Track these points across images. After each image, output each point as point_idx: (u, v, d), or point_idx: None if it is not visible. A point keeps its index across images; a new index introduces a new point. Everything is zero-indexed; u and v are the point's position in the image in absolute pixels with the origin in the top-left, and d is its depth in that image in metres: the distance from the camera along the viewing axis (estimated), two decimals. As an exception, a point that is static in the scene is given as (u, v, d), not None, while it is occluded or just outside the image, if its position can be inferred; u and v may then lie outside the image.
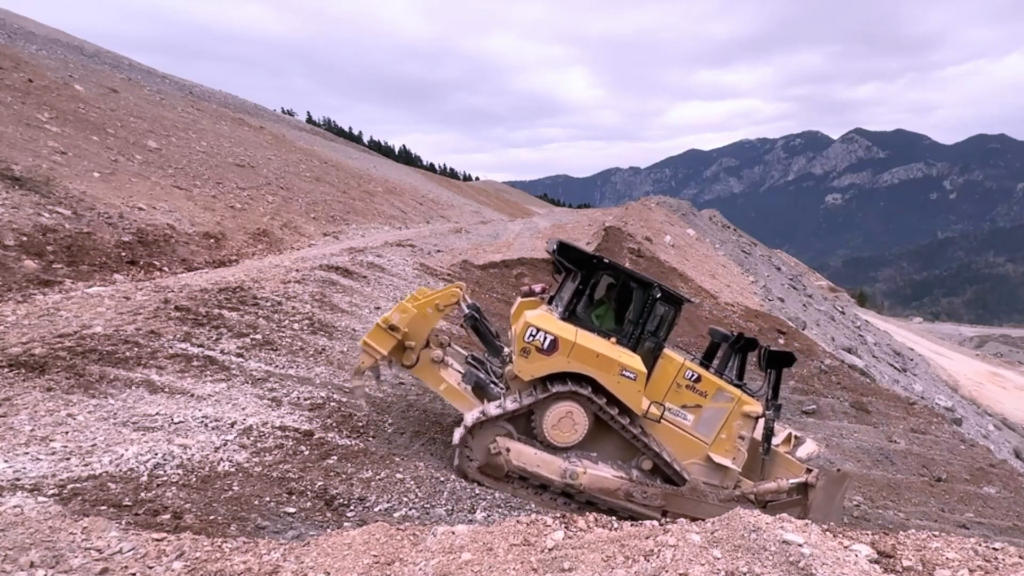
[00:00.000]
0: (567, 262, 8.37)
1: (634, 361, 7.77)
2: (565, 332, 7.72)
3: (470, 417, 7.77)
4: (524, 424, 7.93)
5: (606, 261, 8.28)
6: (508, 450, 7.76)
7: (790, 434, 9.86)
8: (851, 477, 8.64)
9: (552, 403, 7.76)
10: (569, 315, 8.13)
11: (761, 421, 8.62)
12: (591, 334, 7.93)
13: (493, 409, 7.80)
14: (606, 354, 7.66)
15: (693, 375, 8.36)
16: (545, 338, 7.58)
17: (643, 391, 7.77)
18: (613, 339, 7.97)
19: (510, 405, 7.78)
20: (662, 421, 8.13)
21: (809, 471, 8.41)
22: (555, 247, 8.39)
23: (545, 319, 7.97)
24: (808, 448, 9.33)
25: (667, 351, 8.50)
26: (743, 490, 8.33)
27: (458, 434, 7.74)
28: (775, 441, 9.14)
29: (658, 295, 8.12)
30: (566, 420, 7.79)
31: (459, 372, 8.83)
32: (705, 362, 9.13)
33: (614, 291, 8.53)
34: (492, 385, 8.65)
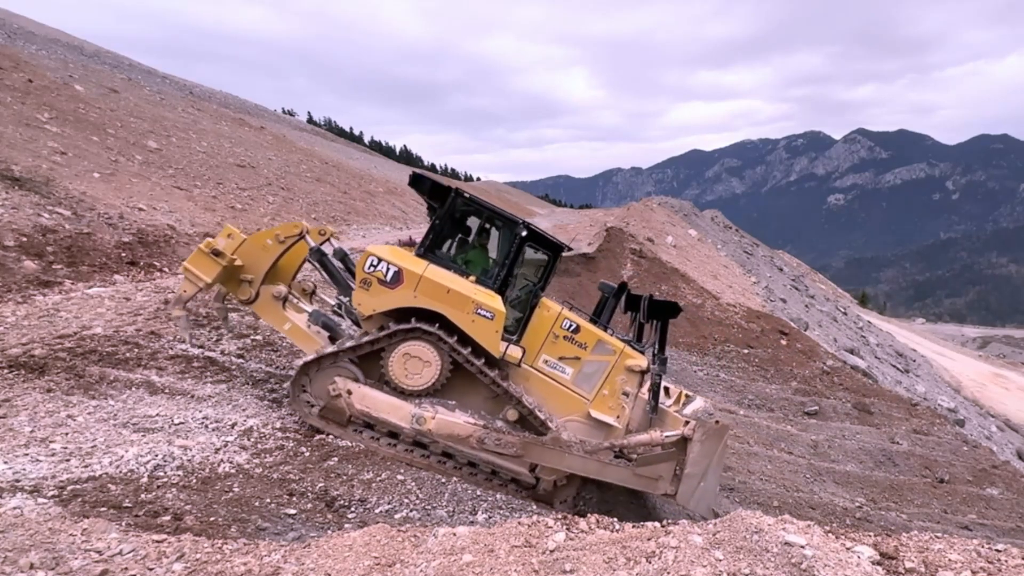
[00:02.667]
0: (422, 194, 7.93)
1: (492, 300, 7.26)
2: (412, 264, 7.25)
3: (306, 357, 7.34)
4: (377, 368, 7.42)
5: (465, 195, 7.75)
6: (349, 392, 7.27)
7: (680, 392, 9.43)
8: (730, 429, 8.05)
9: (400, 343, 7.25)
10: (425, 251, 7.61)
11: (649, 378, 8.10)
12: (447, 271, 7.42)
13: (330, 347, 7.36)
14: (458, 290, 7.19)
15: (571, 325, 7.85)
16: (388, 269, 7.13)
17: (501, 332, 7.27)
18: (472, 278, 7.50)
19: (348, 342, 7.31)
20: (538, 373, 7.71)
21: (686, 423, 7.78)
22: (410, 178, 8.01)
23: (390, 250, 7.50)
24: (696, 405, 8.84)
25: (545, 300, 8.01)
26: (612, 442, 7.72)
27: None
28: (667, 401, 8.67)
29: (523, 233, 7.60)
30: (414, 362, 7.24)
31: (307, 312, 8.28)
32: (595, 319, 8.56)
33: (487, 235, 8.10)
34: (344, 326, 8.16)
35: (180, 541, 4.39)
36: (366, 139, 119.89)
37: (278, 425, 7.28)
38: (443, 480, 7.11)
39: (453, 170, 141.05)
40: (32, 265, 10.03)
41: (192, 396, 7.48)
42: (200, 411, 7.08)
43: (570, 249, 8.33)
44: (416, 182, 7.97)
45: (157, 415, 6.70)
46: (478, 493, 7.18)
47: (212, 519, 5.07)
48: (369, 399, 7.32)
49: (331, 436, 7.32)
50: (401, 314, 7.33)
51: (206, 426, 6.76)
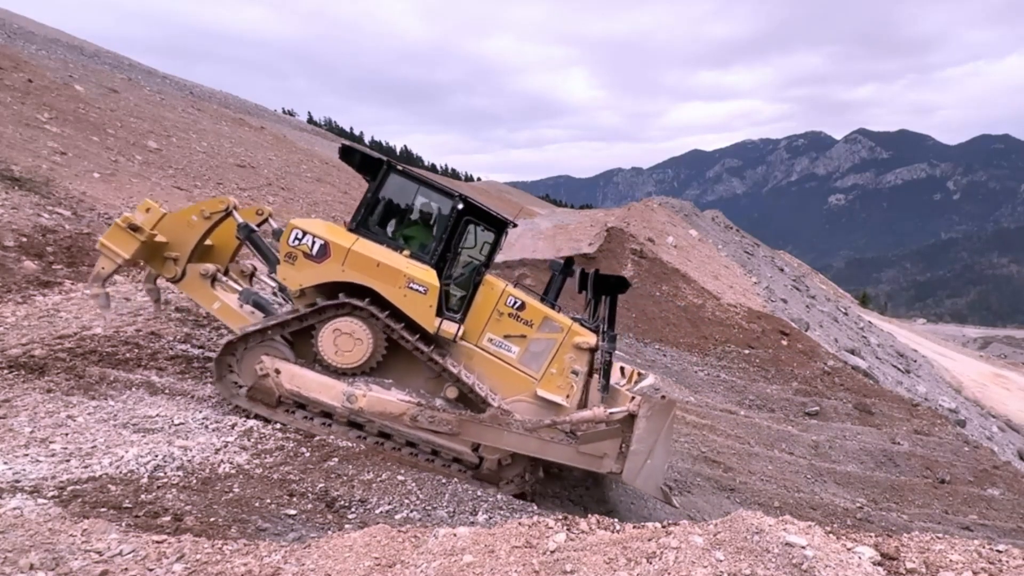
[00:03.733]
0: (353, 167, 7.74)
1: (425, 274, 7.10)
2: (339, 238, 7.04)
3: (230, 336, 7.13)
4: (310, 347, 7.22)
5: (398, 167, 7.55)
6: (278, 372, 7.03)
7: (634, 371, 9.28)
8: (677, 404, 7.84)
9: (329, 319, 7.06)
10: (357, 225, 7.40)
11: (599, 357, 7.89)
12: (379, 246, 7.23)
13: (252, 324, 7.18)
14: (389, 264, 7.00)
15: (516, 302, 7.68)
16: (314, 242, 6.91)
17: (435, 307, 7.11)
18: (407, 252, 7.31)
19: (272, 320, 7.10)
20: (482, 351, 7.57)
21: (632, 399, 7.56)
22: (339, 151, 7.81)
23: (316, 223, 7.32)
24: (648, 382, 8.66)
25: (489, 277, 7.83)
26: (553, 419, 7.52)
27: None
28: (620, 379, 8.50)
29: (459, 206, 7.40)
30: (345, 338, 7.05)
31: (239, 291, 8.05)
32: (550, 301, 8.39)
33: (429, 210, 7.87)
34: (277, 306, 7.94)
35: (180, 542, 4.39)
36: (367, 139, 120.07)
37: (278, 425, 7.28)
38: (443, 481, 7.10)
39: (453, 170, 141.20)
40: (32, 265, 10.03)
41: (192, 396, 7.48)
42: (200, 411, 7.08)
43: (515, 225, 8.04)
44: (346, 154, 7.74)
45: (157, 415, 6.70)
46: (479, 494, 7.16)
47: (212, 520, 5.07)
48: (299, 378, 7.11)
49: (278, 423, 7.14)
50: (334, 289, 7.14)
51: (206, 426, 6.76)
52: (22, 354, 7.22)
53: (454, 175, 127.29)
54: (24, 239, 10.54)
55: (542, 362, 7.75)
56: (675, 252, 24.62)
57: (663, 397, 7.32)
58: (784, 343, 19.58)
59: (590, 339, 7.77)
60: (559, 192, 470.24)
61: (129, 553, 4.13)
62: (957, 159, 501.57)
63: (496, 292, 7.72)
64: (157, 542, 4.32)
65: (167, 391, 7.42)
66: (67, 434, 5.88)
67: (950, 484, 12.77)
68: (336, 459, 6.86)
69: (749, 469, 11.58)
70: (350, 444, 7.16)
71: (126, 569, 3.98)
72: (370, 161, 7.64)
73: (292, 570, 4.15)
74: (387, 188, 7.58)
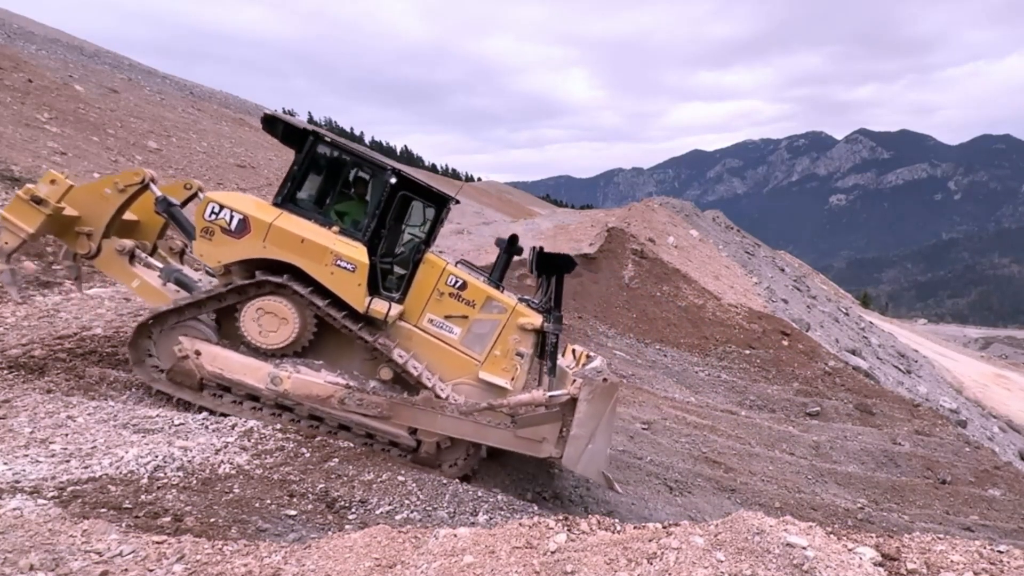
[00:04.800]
0: (277, 138, 7.40)
1: (353, 251, 6.80)
2: (260, 212, 6.72)
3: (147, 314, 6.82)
4: (235, 327, 6.93)
5: (326, 138, 7.19)
6: (198, 353, 6.76)
7: (583, 353, 9.11)
8: (620, 387, 7.54)
9: (251, 298, 6.79)
10: (283, 200, 7.07)
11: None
12: (305, 221, 6.93)
13: (165, 305, 6.87)
14: (315, 240, 6.69)
15: (457, 281, 7.41)
16: (232, 217, 6.59)
17: (365, 286, 6.83)
18: (335, 228, 7.01)
19: (184, 299, 6.79)
20: (422, 332, 7.34)
21: (573, 382, 7.26)
22: (261, 120, 7.47)
23: (237, 197, 7.01)
24: (595, 364, 8.39)
25: (430, 255, 7.53)
26: (490, 402, 7.25)
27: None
28: (567, 361, 8.29)
29: (392, 180, 7.07)
30: (269, 318, 6.75)
31: (160, 268, 7.71)
32: (495, 280, 8.13)
33: (364, 186, 7.54)
34: (204, 284, 7.60)
35: (180, 542, 4.38)
36: (367, 139, 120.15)
37: (278, 426, 7.27)
38: (444, 482, 7.09)
39: (454, 170, 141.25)
40: (32, 266, 10.03)
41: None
42: (200, 412, 7.07)
43: (457, 201, 7.77)
44: (268, 124, 7.37)
45: (157, 416, 6.69)
46: (479, 494, 7.16)
47: (212, 520, 5.06)
48: (222, 359, 6.83)
49: (224, 411, 6.94)
50: (260, 267, 6.84)
51: (206, 427, 6.75)
52: (22, 354, 7.22)
53: (454, 175, 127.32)
54: (25, 239, 10.54)
55: (486, 344, 7.52)
56: (676, 252, 24.61)
57: (605, 380, 6.93)
58: (785, 343, 19.57)
59: (535, 320, 7.54)
60: (560, 192, 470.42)
61: (129, 554, 4.12)
62: (958, 159, 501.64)
63: (436, 271, 7.44)
64: (157, 543, 4.32)
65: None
66: (67, 434, 5.88)
67: (951, 485, 12.76)
68: (336, 460, 6.85)
69: (750, 469, 11.57)
70: (351, 444, 7.16)
71: (126, 570, 3.98)
72: (295, 132, 7.29)
73: (292, 571, 4.15)
74: (315, 161, 7.26)
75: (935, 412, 17.72)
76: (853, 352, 22.67)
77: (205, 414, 6.99)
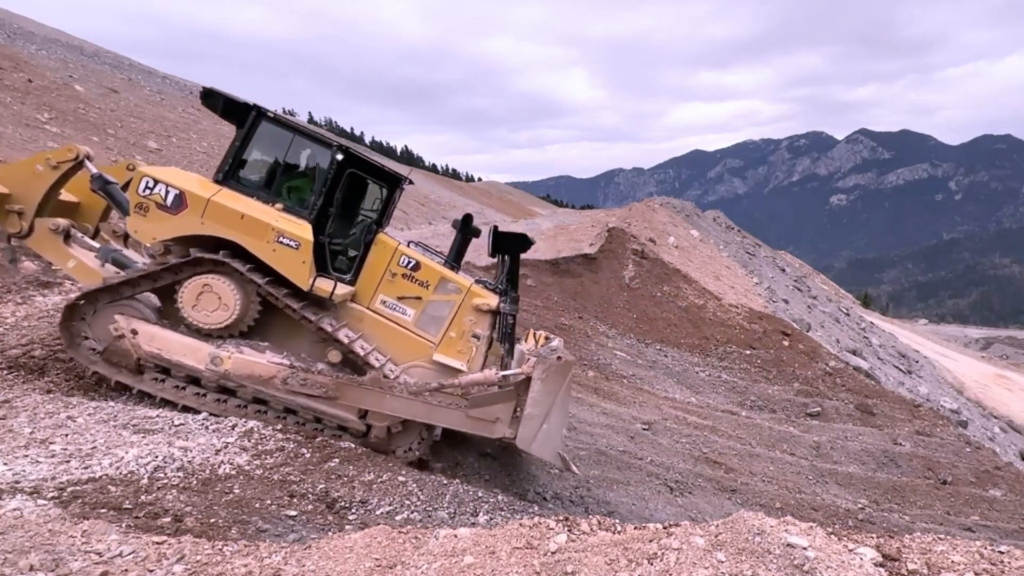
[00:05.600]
0: (217, 113, 7.17)
1: (297, 228, 6.62)
2: (197, 188, 6.55)
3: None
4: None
5: (269, 113, 6.97)
6: (135, 332, 6.53)
7: (542, 335, 9.00)
8: (574, 365, 7.35)
9: (189, 276, 6.59)
10: (224, 177, 6.87)
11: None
12: (246, 197, 6.76)
13: (95, 283, 6.67)
14: (255, 216, 6.49)
15: (409, 262, 7.26)
16: (167, 192, 6.39)
17: (309, 264, 6.66)
18: (279, 205, 6.83)
19: (115, 278, 6.60)
20: (374, 314, 7.21)
21: (528, 361, 7.10)
22: (200, 95, 7.20)
23: (173, 172, 6.81)
24: (553, 344, 8.26)
25: (382, 236, 7.39)
26: (441, 382, 7.08)
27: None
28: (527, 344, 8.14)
29: (339, 157, 6.89)
30: (209, 297, 6.54)
31: (95, 248, 7.49)
32: (450, 262, 7.97)
33: (310, 163, 7.34)
34: (142, 263, 7.34)
35: (180, 543, 4.38)
36: (367, 139, 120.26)
37: (279, 426, 7.27)
38: (444, 482, 7.09)
39: (454, 170, 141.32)
40: (31, 266, 10.03)
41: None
42: (200, 412, 7.07)
43: (411, 182, 7.61)
44: (207, 99, 7.11)
45: (157, 416, 6.68)
46: (479, 495, 7.16)
47: (212, 521, 5.06)
48: (160, 340, 6.58)
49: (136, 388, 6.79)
50: (200, 244, 6.63)
51: (206, 427, 6.74)
52: (22, 354, 7.21)
53: (455, 175, 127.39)
54: (25, 240, 10.55)
55: (440, 325, 7.38)
56: (676, 253, 24.61)
57: (559, 358, 6.76)
58: (785, 344, 19.56)
59: (490, 300, 7.40)
60: (560, 192, 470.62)
61: (129, 554, 4.12)
62: (959, 159, 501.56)
63: (389, 251, 7.30)
64: (157, 543, 4.31)
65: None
66: (67, 435, 5.88)
67: (952, 485, 12.75)
68: (337, 460, 6.85)
69: (750, 470, 11.56)
70: (351, 445, 7.15)
71: (126, 570, 3.97)
72: (235, 106, 7.03)
73: (292, 571, 4.14)
74: (258, 137, 7.08)
75: (936, 412, 17.71)
76: (854, 352, 22.66)
77: (205, 414, 6.99)
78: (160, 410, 6.84)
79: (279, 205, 6.88)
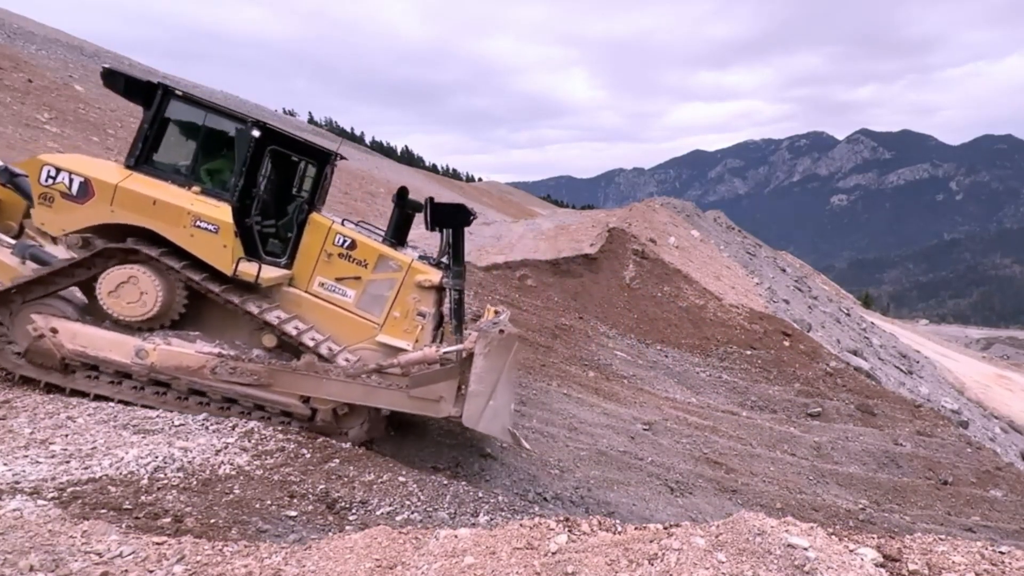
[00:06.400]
0: (120, 94, 6.76)
1: (214, 211, 6.36)
2: (104, 174, 6.29)
3: None
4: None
5: (177, 92, 6.62)
6: (55, 331, 6.33)
7: (493, 310, 8.80)
8: (518, 338, 7.02)
9: (103, 268, 6.36)
10: (136, 161, 6.58)
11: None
12: (159, 181, 6.49)
13: (11, 280, 6.43)
14: (168, 201, 6.23)
15: (345, 241, 7.04)
16: (72, 180, 6.16)
17: (232, 247, 6.39)
18: (196, 188, 6.56)
19: (23, 278, 6.34)
20: (313, 298, 7.02)
21: (469, 336, 6.89)
22: (101, 75, 6.84)
23: (78, 159, 6.56)
24: (500, 318, 8.05)
25: (316, 216, 7.15)
26: (379, 363, 6.84)
27: None
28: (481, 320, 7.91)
29: (256, 134, 6.58)
30: (128, 288, 6.29)
31: (11, 244, 7.24)
32: (390, 239, 7.76)
33: (228, 142, 6.97)
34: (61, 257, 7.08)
35: (180, 543, 4.38)
36: (367, 139, 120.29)
37: (279, 427, 7.27)
38: (445, 482, 7.08)
39: (455, 170, 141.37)
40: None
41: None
42: (200, 412, 7.07)
43: (342, 157, 7.42)
44: (109, 79, 6.73)
45: (157, 416, 6.69)
46: (480, 495, 7.15)
47: (213, 521, 5.06)
48: (83, 336, 6.40)
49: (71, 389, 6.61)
50: (114, 233, 6.40)
51: (206, 427, 6.75)
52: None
53: (455, 175, 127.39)
54: (26, 240, 10.55)
55: (383, 305, 7.15)
56: (677, 253, 24.59)
57: (502, 332, 6.50)
58: (786, 344, 19.54)
59: (433, 276, 7.17)
60: (560, 192, 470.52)
61: (129, 554, 4.12)
62: (959, 159, 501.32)
63: (323, 231, 7.07)
64: (157, 543, 4.32)
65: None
66: (67, 435, 5.88)
67: (953, 485, 12.73)
68: (337, 460, 6.85)
69: (751, 470, 11.55)
70: (348, 446, 7.15)
71: (126, 571, 3.97)
72: (140, 86, 6.67)
73: (293, 571, 4.14)
74: (169, 117, 6.78)
75: (937, 413, 17.68)
76: (855, 353, 22.63)
77: (205, 415, 6.99)
78: (160, 410, 6.85)
79: (196, 188, 6.63)
